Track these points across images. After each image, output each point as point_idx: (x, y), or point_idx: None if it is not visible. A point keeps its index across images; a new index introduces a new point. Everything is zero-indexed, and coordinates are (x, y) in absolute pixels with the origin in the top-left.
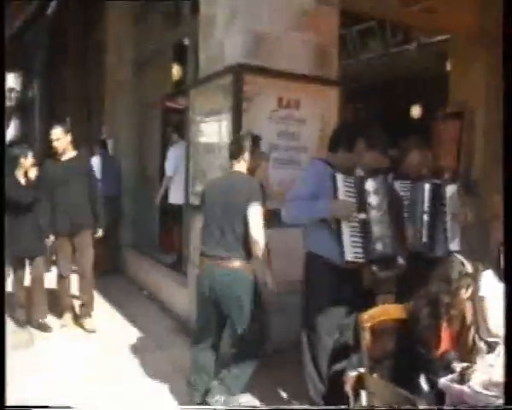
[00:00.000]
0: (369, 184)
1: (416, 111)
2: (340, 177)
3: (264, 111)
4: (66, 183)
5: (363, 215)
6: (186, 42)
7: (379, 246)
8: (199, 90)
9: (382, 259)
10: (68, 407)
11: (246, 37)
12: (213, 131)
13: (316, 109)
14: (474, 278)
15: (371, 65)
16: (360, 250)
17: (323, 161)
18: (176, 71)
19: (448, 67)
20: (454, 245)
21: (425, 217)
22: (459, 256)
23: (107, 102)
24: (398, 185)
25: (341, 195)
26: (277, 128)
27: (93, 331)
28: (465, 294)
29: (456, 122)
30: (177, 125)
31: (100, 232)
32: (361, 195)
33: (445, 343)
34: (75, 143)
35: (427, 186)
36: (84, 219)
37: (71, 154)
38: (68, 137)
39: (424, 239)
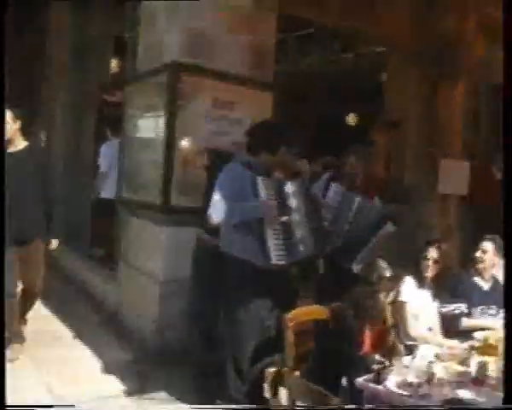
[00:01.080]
0: (288, 187)
1: (351, 119)
2: (260, 180)
3: (199, 110)
4: (13, 180)
5: (285, 218)
6: (127, 35)
7: (300, 248)
8: (135, 86)
9: (304, 261)
10: (70, 406)
11: (184, 35)
12: (150, 127)
13: (249, 111)
14: (394, 282)
15: (309, 71)
16: (284, 253)
17: (241, 164)
18: (114, 64)
19: (384, 77)
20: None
21: (346, 226)
22: (380, 261)
23: (44, 91)
24: (333, 188)
25: (263, 196)
26: (212, 128)
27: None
28: (385, 297)
29: (389, 132)
30: (113, 120)
31: (54, 244)
32: (281, 197)
33: (367, 344)
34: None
35: (356, 200)
36: (35, 225)
37: (20, 144)
38: (17, 125)
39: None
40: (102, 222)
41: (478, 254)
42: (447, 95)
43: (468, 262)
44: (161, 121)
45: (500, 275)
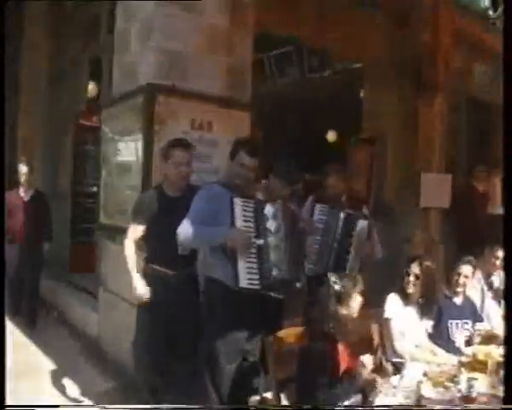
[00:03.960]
0: (268, 209)
1: (331, 136)
2: (238, 201)
3: (177, 132)
4: None
5: (260, 241)
6: (103, 58)
7: (275, 272)
8: (112, 109)
9: (278, 284)
10: (71, 407)
11: (159, 56)
12: (127, 150)
13: (228, 132)
14: (348, 294)
15: (288, 90)
16: (256, 277)
17: (219, 185)
18: (91, 88)
19: (362, 94)
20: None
21: (335, 244)
22: (332, 275)
23: (21, 118)
24: (318, 209)
25: (239, 219)
26: None
27: None
28: (346, 310)
29: (368, 148)
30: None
31: None
32: (259, 219)
33: (345, 364)
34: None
35: (342, 215)
36: None
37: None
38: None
39: (328, 264)
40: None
41: (459, 278)
42: (426, 109)
43: (448, 284)
44: (138, 145)
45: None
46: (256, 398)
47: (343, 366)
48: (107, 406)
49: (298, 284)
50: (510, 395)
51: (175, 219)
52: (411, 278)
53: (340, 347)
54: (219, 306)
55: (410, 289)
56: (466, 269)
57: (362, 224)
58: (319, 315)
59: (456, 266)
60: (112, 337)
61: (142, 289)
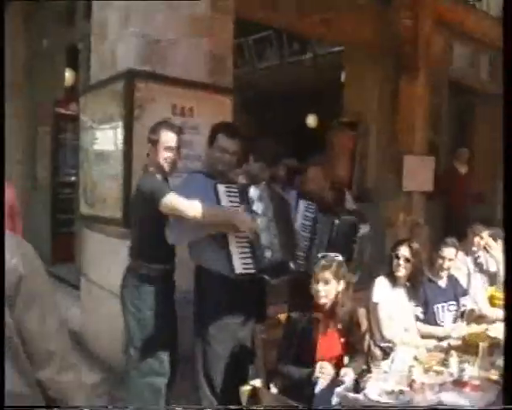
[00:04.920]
0: (253, 192)
1: (311, 120)
2: (221, 187)
3: (158, 118)
4: None
5: (251, 216)
6: (80, 46)
7: (268, 254)
8: (90, 96)
9: (273, 267)
10: (72, 407)
11: (138, 41)
12: (106, 138)
13: (210, 117)
14: (335, 273)
15: (267, 74)
16: (250, 261)
17: (202, 174)
18: (68, 76)
19: (343, 77)
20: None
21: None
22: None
23: None
24: (302, 205)
25: (225, 205)
26: None
27: None
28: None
29: (350, 132)
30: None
31: None
32: (245, 203)
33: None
34: None
35: (336, 222)
36: None
37: None
38: None
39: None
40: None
41: (443, 262)
42: (408, 92)
43: (432, 267)
44: (118, 132)
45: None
46: (247, 388)
47: (333, 351)
48: (107, 406)
49: (292, 265)
50: (510, 395)
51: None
52: (401, 262)
53: (331, 333)
54: (212, 294)
55: (400, 273)
56: (449, 252)
57: (364, 228)
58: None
59: (439, 250)
60: (94, 327)
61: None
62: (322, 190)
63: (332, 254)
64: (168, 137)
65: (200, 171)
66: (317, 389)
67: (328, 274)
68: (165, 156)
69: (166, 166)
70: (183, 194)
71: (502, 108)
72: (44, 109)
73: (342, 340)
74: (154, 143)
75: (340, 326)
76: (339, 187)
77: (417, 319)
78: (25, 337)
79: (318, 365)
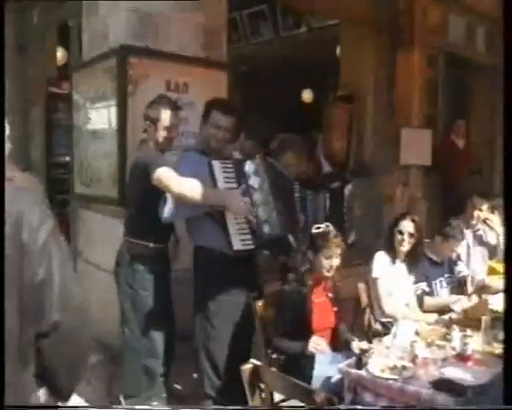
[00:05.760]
0: (248, 166)
1: (306, 95)
2: (216, 163)
3: (152, 95)
4: None
5: (246, 199)
6: (71, 23)
7: (266, 229)
8: (82, 74)
9: (273, 241)
10: (71, 407)
11: (131, 16)
12: (100, 116)
13: (205, 93)
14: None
15: (262, 49)
16: (248, 237)
17: (197, 151)
18: (60, 54)
19: (338, 51)
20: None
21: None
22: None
23: None
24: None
25: (221, 181)
26: None
27: None
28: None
29: (346, 106)
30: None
31: None
32: (241, 178)
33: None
34: None
35: (327, 195)
36: None
37: None
38: None
39: None
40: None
41: (443, 241)
42: (404, 64)
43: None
44: (112, 109)
45: None
46: (248, 366)
47: (328, 322)
48: (109, 406)
49: (291, 238)
50: (510, 395)
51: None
52: (405, 237)
53: (324, 302)
54: (212, 271)
55: (404, 247)
56: (451, 232)
57: (348, 189)
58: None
59: (440, 230)
60: (92, 307)
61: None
62: (300, 169)
63: (324, 225)
64: (168, 116)
65: (194, 148)
66: (316, 367)
67: (336, 248)
68: (164, 135)
69: (165, 144)
70: (178, 173)
71: (498, 80)
72: (37, 89)
73: (335, 309)
74: (154, 121)
75: (331, 295)
76: (314, 156)
77: (424, 292)
78: None
79: (312, 339)
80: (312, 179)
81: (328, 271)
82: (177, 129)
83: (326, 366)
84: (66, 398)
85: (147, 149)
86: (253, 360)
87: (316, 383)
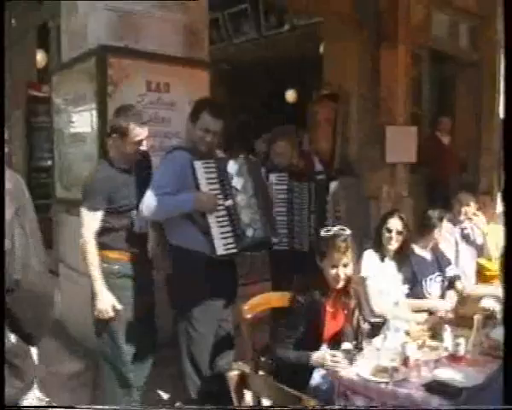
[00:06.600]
0: (231, 166)
1: (290, 96)
2: (198, 164)
3: (132, 95)
4: None
5: (229, 202)
6: (50, 24)
7: (249, 232)
8: (62, 76)
9: (255, 244)
10: (70, 407)
11: (110, 16)
12: (80, 118)
13: (187, 92)
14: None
15: (244, 48)
16: (231, 240)
17: (183, 149)
18: (40, 57)
19: (321, 49)
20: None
21: (312, 216)
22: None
23: None
24: (273, 178)
25: (203, 183)
26: (147, 113)
27: None
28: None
29: (330, 104)
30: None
31: None
32: (224, 179)
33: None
34: None
35: (313, 186)
36: None
37: None
38: None
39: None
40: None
41: (430, 233)
42: (388, 61)
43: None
44: (92, 111)
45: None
46: (234, 372)
47: (337, 327)
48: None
49: (275, 240)
50: (510, 395)
51: (128, 193)
52: (393, 234)
53: (338, 309)
54: (193, 275)
55: (392, 246)
56: (437, 223)
57: (334, 185)
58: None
59: (426, 221)
60: (74, 313)
61: (107, 301)
62: (291, 161)
63: (336, 228)
64: (137, 132)
65: (181, 146)
66: (317, 376)
67: (343, 255)
68: (133, 149)
69: (133, 158)
70: (164, 174)
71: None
72: (17, 92)
73: (345, 312)
74: (121, 134)
75: (344, 299)
76: (306, 152)
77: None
78: None
79: (328, 353)
80: (301, 172)
81: (336, 281)
82: (145, 142)
83: (324, 376)
84: (33, 344)
85: (104, 166)
86: (240, 366)
87: (310, 391)
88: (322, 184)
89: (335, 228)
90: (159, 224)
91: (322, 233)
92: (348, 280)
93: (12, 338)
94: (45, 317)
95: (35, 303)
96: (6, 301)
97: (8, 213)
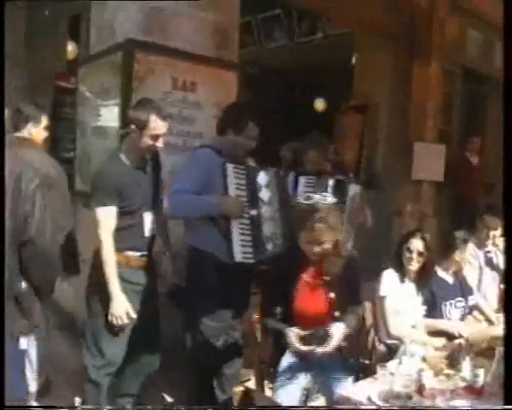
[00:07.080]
0: (261, 177)
1: (319, 104)
2: (230, 167)
3: (157, 92)
4: None
5: (254, 211)
6: (82, 16)
7: (269, 246)
8: (88, 68)
9: (273, 258)
10: (70, 407)
11: (139, 11)
12: (104, 111)
13: (213, 93)
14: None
15: (276, 54)
16: (250, 250)
17: (212, 149)
18: (71, 48)
19: (353, 59)
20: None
21: None
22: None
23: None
24: (302, 181)
25: (231, 187)
26: (171, 111)
27: None
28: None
29: (359, 115)
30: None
31: None
32: (252, 188)
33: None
34: None
35: (330, 182)
36: None
37: None
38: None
39: None
40: None
41: (454, 255)
42: (420, 76)
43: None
44: (116, 106)
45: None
46: (240, 388)
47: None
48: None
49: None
50: (510, 395)
51: (140, 191)
52: (414, 255)
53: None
54: (208, 279)
55: (412, 266)
56: (461, 246)
57: (354, 188)
58: None
59: (450, 242)
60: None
61: (123, 306)
62: (321, 171)
63: (318, 196)
64: (158, 125)
65: (208, 145)
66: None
67: (326, 236)
68: (149, 144)
69: (146, 154)
70: (191, 170)
71: None
72: (45, 82)
73: (332, 295)
74: (140, 126)
75: (327, 278)
76: (331, 160)
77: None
78: None
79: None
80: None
81: (311, 255)
82: (162, 139)
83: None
84: (45, 294)
85: (118, 164)
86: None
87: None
88: (340, 185)
89: (317, 196)
90: (165, 229)
91: (300, 200)
92: (326, 255)
93: (23, 285)
94: (51, 276)
95: (44, 262)
96: (21, 254)
97: (32, 184)
